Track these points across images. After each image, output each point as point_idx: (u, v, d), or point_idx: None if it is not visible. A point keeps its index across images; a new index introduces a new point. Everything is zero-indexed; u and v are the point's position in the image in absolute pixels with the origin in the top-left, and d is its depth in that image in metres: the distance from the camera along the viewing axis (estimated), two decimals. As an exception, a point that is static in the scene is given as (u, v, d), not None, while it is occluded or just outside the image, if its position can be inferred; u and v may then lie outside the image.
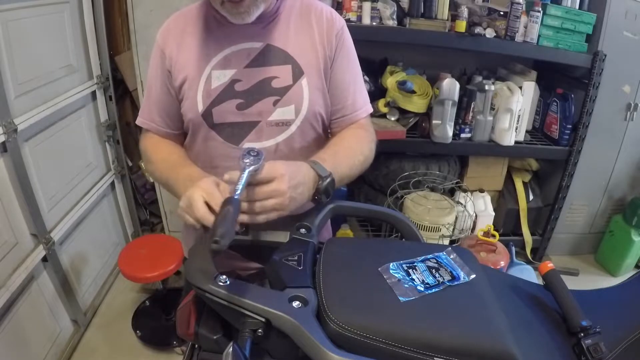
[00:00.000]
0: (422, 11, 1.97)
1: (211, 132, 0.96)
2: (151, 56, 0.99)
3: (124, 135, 2.25)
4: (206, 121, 0.95)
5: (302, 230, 0.83)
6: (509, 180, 2.42)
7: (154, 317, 1.96)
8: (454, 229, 1.96)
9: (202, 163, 0.98)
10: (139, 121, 1.03)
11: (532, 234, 2.47)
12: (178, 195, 0.85)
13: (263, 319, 0.62)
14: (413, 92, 2.01)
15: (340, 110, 1.01)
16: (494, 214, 2.27)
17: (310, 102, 0.95)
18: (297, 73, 0.95)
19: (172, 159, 0.95)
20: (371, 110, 1.05)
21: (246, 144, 0.95)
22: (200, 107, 0.94)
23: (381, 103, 2.06)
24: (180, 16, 0.98)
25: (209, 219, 0.72)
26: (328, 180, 0.84)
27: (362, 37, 1.91)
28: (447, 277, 0.75)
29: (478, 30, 1.91)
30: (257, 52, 0.94)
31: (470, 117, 2.08)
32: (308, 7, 0.99)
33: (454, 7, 2.00)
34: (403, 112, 2.12)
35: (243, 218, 0.75)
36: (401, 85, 1.96)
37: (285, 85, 0.94)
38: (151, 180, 2.40)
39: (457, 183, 2.19)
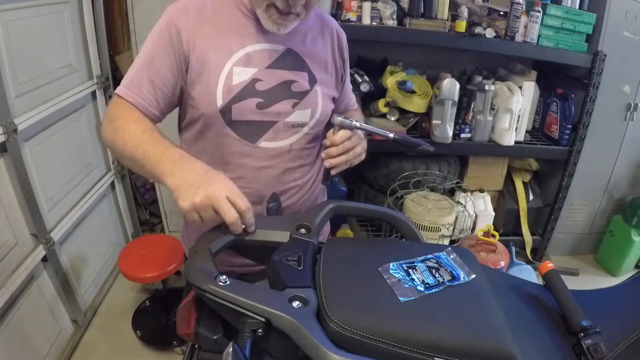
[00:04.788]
0: (422, 11, 1.96)
1: (226, 128, 0.94)
2: (157, 28, 0.91)
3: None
4: (223, 117, 0.93)
5: (302, 230, 0.83)
6: (509, 180, 2.42)
7: (154, 317, 1.96)
8: (454, 229, 1.96)
9: (211, 159, 0.97)
10: (123, 92, 0.88)
11: (532, 234, 2.47)
12: (151, 171, 0.79)
13: (263, 319, 0.62)
14: (413, 92, 2.01)
15: (342, 106, 1.18)
16: (494, 214, 2.27)
17: (323, 108, 1.03)
18: (312, 80, 1.00)
19: (155, 136, 0.84)
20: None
21: (262, 143, 0.97)
22: (220, 102, 0.92)
23: (381, 103, 2.06)
24: None
25: (238, 225, 0.75)
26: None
27: (362, 37, 1.92)
28: (447, 277, 0.75)
29: (478, 30, 1.91)
30: (278, 54, 0.96)
31: (470, 117, 2.08)
32: (322, 20, 1.06)
33: (454, 7, 2.00)
34: (403, 112, 2.12)
35: (341, 159, 0.94)
36: (401, 85, 1.96)
37: (303, 90, 0.99)
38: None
39: (457, 183, 2.19)
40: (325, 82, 1.03)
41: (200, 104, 0.92)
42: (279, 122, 0.97)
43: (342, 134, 0.94)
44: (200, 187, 0.73)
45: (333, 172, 0.97)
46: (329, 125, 1.03)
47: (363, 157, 1.01)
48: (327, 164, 0.95)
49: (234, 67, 0.92)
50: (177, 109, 1.01)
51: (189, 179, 0.75)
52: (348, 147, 0.95)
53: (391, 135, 0.98)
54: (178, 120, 1.04)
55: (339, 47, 1.08)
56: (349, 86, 1.20)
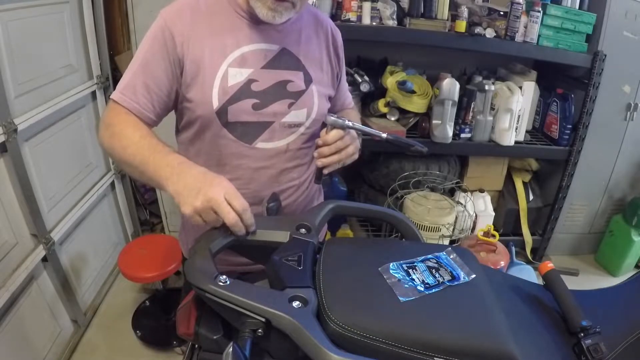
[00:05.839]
0: (422, 11, 1.97)
1: (223, 130, 0.94)
2: (151, 32, 0.90)
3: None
4: (220, 119, 0.93)
5: (302, 230, 0.83)
6: (509, 180, 2.42)
7: (154, 317, 1.96)
8: (454, 229, 1.96)
9: (207, 160, 0.97)
10: (118, 97, 0.89)
11: (532, 234, 2.47)
12: (151, 177, 0.80)
13: (263, 319, 0.62)
14: (413, 92, 2.01)
15: (338, 105, 1.18)
16: (494, 214, 2.27)
17: (319, 107, 1.02)
18: (307, 80, 1.00)
19: (154, 141, 0.84)
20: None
21: (259, 144, 0.97)
22: (216, 104, 0.92)
23: (381, 103, 2.06)
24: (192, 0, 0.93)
25: (239, 226, 0.75)
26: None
27: (362, 37, 1.92)
28: (447, 277, 0.75)
29: (478, 30, 1.91)
30: (273, 54, 0.96)
31: (470, 117, 2.08)
32: (315, 18, 1.05)
33: (454, 7, 2.00)
34: (403, 112, 2.12)
35: (333, 159, 0.93)
36: (401, 85, 1.96)
37: (299, 89, 0.98)
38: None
39: (457, 183, 2.19)
40: (321, 80, 1.03)
41: (196, 106, 0.92)
42: (275, 123, 0.97)
43: (335, 133, 0.93)
44: (199, 190, 0.74)
45: (325, 172, 0.96)
46: (325, 124, 1.02)
47: (356, 156, 1.00)
48: (319, 163, 0.94)
49: (229, 68, 0.92)
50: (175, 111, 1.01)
51: (188, 183, 0.76)
52: (340, 146, 0.94)
53: (384, 135, 0.97)
54: (176, 122, 1.04)
55: (333, 45, 1.07)
56: (345, 85, 1.19)
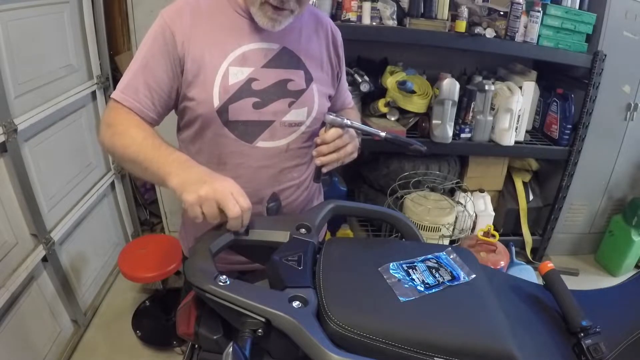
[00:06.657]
0: (422, 11, 1.97)
1: (224, 128, 0.95)
2: (152, 31, 0.91)
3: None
4: (220, 117, 0.93)
5: (302, 230, 0.83)
6: (509, 180, 2.42)
7: (154, 317, 1.96)
8: (454, 229, 1.96)
9: (208, 159, 0.97)
10: (119, 97, 0.89)
11: (532, 234, 2.47)
12: (155, 172, 0.80)
13: (263, 319, 0.62)
14: (413, 92, 2.01)
15: (338, 104, 1.18)
16: (494, 214, 2.27)
17: (319, 106, 1.02)
18: (308, 78, 1.00)
19: (157, 141, 0.84)
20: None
21: (260, 143, 0.97)
22: (217, 103, 0.92)
23: (381, 103, 2.06)
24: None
25: (239, 223, 0.76)
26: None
27: (362, 37, 1.92)
28: (447, 277, 0.75)
29: (478, 30, 1.91)
30: (273, 53, 0.96)
31: (470, 117, 2.08)
32: (315, 17, 1.05)
33: (454, 7, 2.00)
34: (403, 112, 2.12)
35: (332, 157, 0.93)
36: (401, 85, 1.96)
37: (299, 88, 0.99)
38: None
39: (457, 183, 2.19)
40: (321, 79, 1.03)
41: (197, 104, 0.93)
42: (276, 122, 0.97)
43: (333, 132, 0.94)
44: (205, 182, 0.75)
45: (324, 170, 0.97)
46: (324, 123, 1.02)
47: (355, 155, 1.00)
48: (317, 161, 0.95)
49: (229, 67, 0.92)
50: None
51: (193, 177, 0.77)
52: (339, 145, 0.94)
53: (383, 134, 0.98)
54: (177, 120, 1.04)
55: (333, 45, 1.07)
56: (344, 84, 1.20)
